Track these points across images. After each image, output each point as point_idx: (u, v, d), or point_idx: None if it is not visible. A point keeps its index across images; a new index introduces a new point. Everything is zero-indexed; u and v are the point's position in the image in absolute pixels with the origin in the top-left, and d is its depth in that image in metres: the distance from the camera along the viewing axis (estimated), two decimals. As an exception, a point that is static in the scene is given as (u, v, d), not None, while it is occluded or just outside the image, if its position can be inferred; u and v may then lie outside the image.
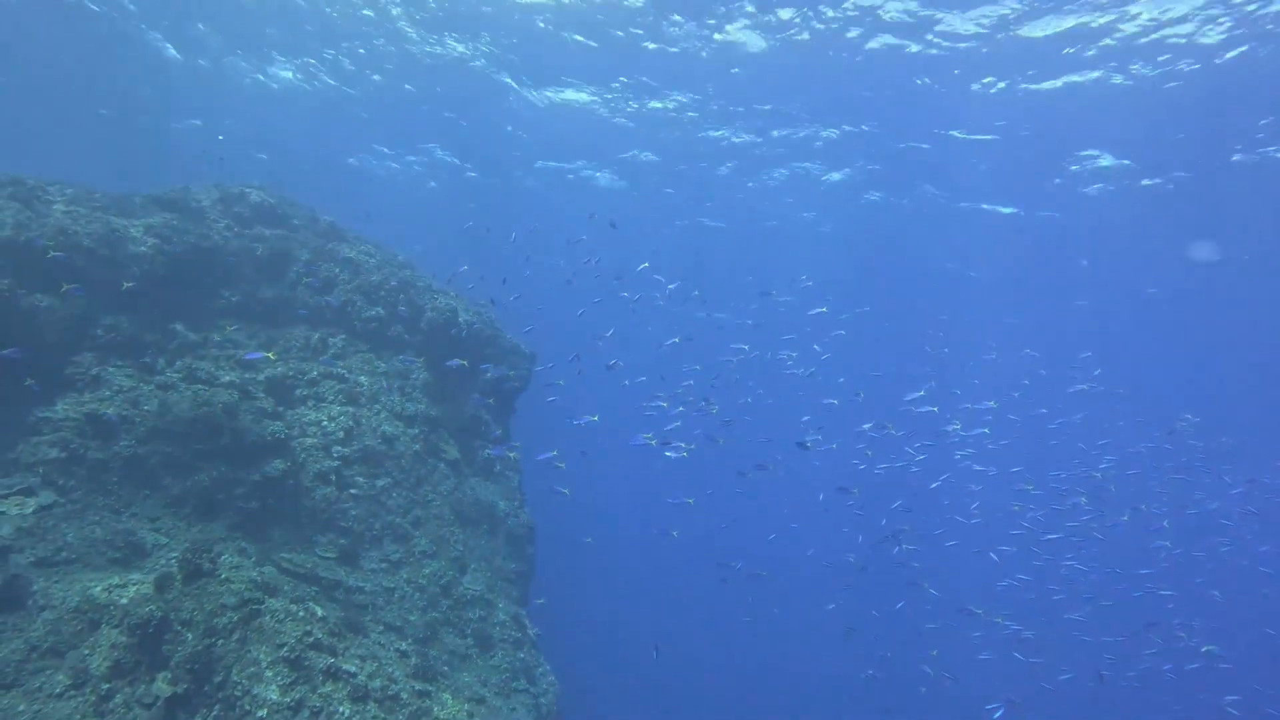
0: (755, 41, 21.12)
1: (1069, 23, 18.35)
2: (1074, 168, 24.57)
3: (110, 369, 10.51)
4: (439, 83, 26.04)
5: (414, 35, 23.70)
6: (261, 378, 11.83)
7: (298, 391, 12.21)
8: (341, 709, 7.67)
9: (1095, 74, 19.97)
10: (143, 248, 11.65)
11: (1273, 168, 21.90)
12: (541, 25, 21.88)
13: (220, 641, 7.56)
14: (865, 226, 31.12)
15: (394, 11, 22.55)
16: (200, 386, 10.99)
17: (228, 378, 11.42)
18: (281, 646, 7.79)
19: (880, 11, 19.07)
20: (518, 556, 14.08)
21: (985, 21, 18.80)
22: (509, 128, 28.40)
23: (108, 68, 27.51)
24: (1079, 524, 21.43)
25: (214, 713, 7.13)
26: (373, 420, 12.53)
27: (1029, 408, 30.94)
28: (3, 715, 6.70)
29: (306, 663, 7.85)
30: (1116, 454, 24.30)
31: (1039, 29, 18.72)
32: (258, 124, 30.70)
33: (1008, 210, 28.28)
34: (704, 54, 22.10)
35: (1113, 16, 17.92)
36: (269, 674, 7.49)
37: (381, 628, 9.96)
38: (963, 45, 19.74)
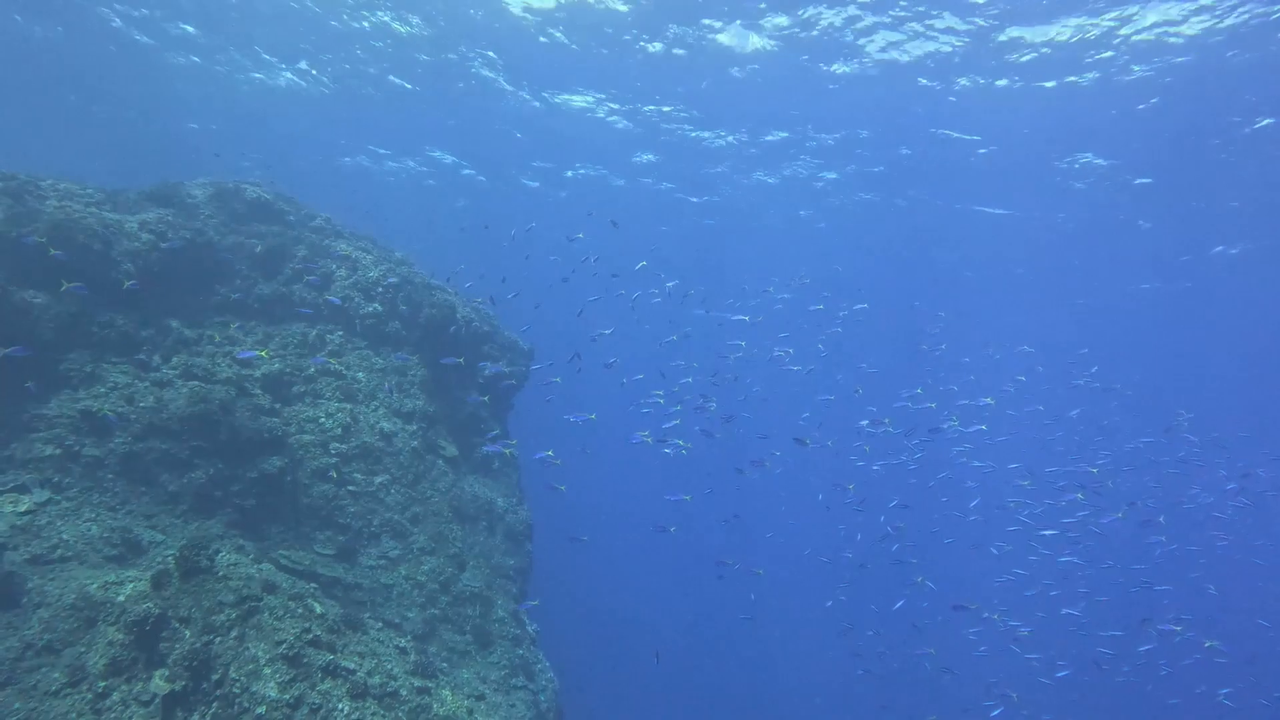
0: (754, 44, 21.11)
1: (1061, 27, 18.43)
2: (1063, 167, 24.67)
3: (105, 365, 10.43)
4: (441, 86, 26.03)
5: (415, 43, 23.73)
6: (258, 374, 11.75)
7: (295, 388, 12.14)
8: (341, 706, 7.61)
9: (1092, 75, 20.02)
10: (137, 243, 11.56)
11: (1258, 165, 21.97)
12: (538, 30, 21.90)
13: (218, 639, 7.50)
14: (861, 225, 31.15)
15: (384, 17, 22.53)
16: (197, 383, 10.91)
17: (225, 374, 11.34)
18: (280, 644, 7.73)
19: (872, 17, 19.10)
20: (516, 553, 14.04)
21: (977, 23, 18.85)
22: (518, 134, 28.37)
23: (104, 67, 27.36)
24: (1075, 520, 21.46)
25: (212, 710, 7.06)
26: (371, 417, 12.47)
27: (1025, 403, 31.03)
28: (-2, 713, 6.64)
29: (305, 660, 7.79)
30: (1112, 449, 24.35)
31: (1033, 33, 18.77)
32: (256, 124, 30.59)
33: (1002, 211, 28.37)
34: (700, 59, 22.12)
35: (1111, 21, 17.97)
36: (268, 671, 7.43)
37: (380, 624, 9.90)
38: (958, 44, 19.77)
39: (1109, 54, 18.97)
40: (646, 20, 20.72)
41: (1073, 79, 20.19)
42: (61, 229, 10.63)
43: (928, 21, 18.89)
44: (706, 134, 26.49)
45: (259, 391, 11.54)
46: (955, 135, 23.68)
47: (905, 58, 20.45)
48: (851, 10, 18.82)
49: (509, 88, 25.54)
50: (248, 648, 7.52)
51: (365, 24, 22.89)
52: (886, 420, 17.29)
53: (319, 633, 8.17)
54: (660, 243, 35.39)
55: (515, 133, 28.44)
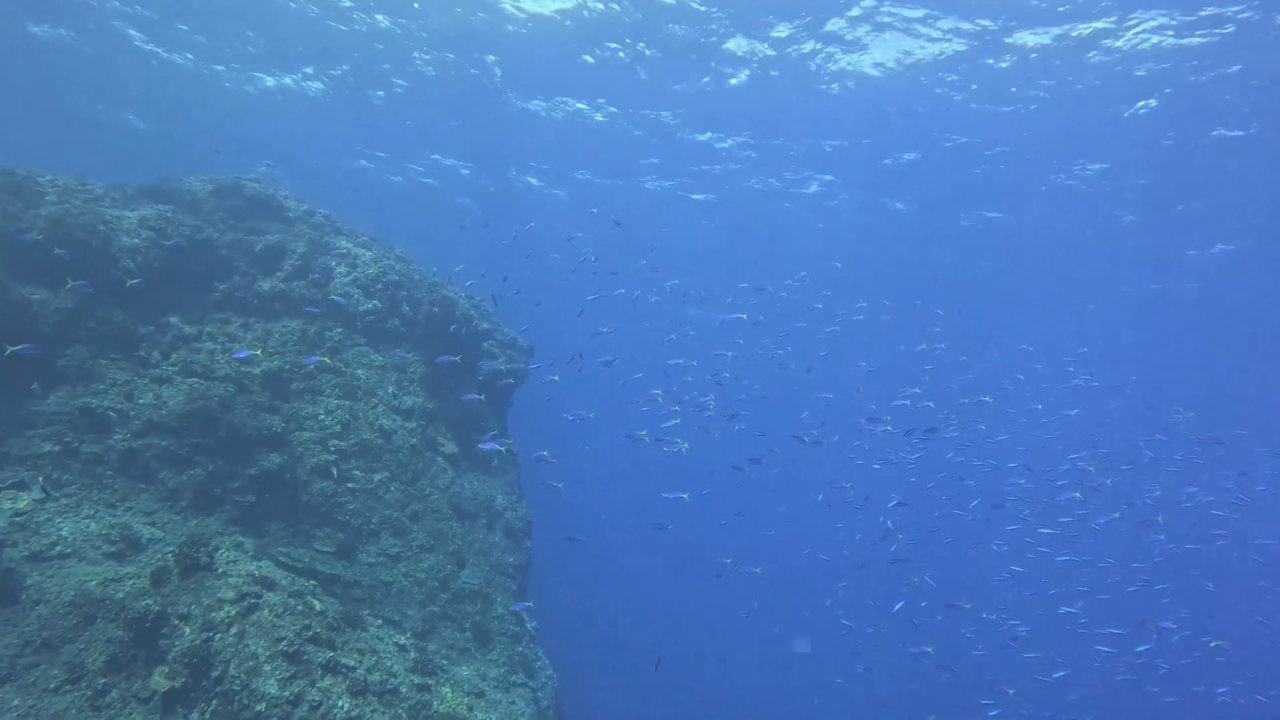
0: (758, 51, 21.19)
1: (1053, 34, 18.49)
2: (1061, 176, 24.76)
3: (104, 362, 10.39)
4: (448, 93, 26.16)
5: (420, 50, 23.84)
6: (258, 371, 11.72)
7: (294, 385, 12.10)
8: (341, 703, 7.59)
9: (1087, 80, 20.07)
10: (137, 240, 11.53)
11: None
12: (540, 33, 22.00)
13: (218, 636, 7.48)
14: (852, 227, 31.36)
15: (382, 24, 22.58)
16: (196, 380, 10.88)
17: (224, 371, 11.31)
18: (280, 641, 7.71)
19: (877, 20, 19.15)
20: (515, 550, 14.02)
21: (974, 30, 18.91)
22: (521, 136, 28.50)
23: (108, 68, 27.32)
24: (1074, 519, 21.49)
25: (212, 707, 7.04)
26: (370, 414, 12.44)
27: (1024, 402, 31.04)
28: (-3, 710, 6.62)
29: (305, 657, 7.77)
30: (1112, 448, 24.38)
31: (1028, 38, 18.82)
32: (261, 129, 30.61)
33: (996, 215, 28.47)
34: (706, 73, 22.18)
35: (1105, 24, 18.04)
36: (267, 668, 7.41)
37: (380, 622, 9.89)
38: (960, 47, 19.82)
39: (1104, 57, 19.01)
40: (645, 28, 20.83)
41: (1068, 83, 20.26)
42: (60, 225, 10.60)
43: (937, 24, 18.96)
44: (706, 136, 26.54)
45: (258, 388, 11.51)
46: (963, 140, 23.79)
47: (909, 59, 20.50)
48: (857, 11, 18.86)
49: (510, 90, 25.57)
50: (247, 644, 7.50)
51: (365, 27, 22.91)
52: (887, 419, 17.27)
53: (319, 630, 8.15)
54: (661, 243, 35.36)
55: (517, 134, 28.46)
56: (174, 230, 12.15)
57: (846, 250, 33.29)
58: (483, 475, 14.54)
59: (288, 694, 7.31)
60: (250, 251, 13.32)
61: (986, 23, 18.56)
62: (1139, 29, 17.87)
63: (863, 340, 39.66)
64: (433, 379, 14.16)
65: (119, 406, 9.95)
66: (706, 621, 46.87)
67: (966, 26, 18.89)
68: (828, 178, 28.11)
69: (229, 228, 13.44)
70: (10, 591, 7.67)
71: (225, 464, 10.32)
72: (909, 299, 33.73)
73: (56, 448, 9.36)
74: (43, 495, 8.86)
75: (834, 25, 19.52)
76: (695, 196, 31.45)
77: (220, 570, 8.18)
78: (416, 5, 21.53)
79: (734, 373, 25.46)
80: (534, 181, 32.65)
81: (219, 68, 26.53)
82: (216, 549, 8.51)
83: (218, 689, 7.16)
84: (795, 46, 20.61)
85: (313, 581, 9.37)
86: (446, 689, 8.99)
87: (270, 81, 27.13)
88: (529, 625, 12.78)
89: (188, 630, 7.46)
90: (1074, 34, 18.34)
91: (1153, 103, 20.29)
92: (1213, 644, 17.20)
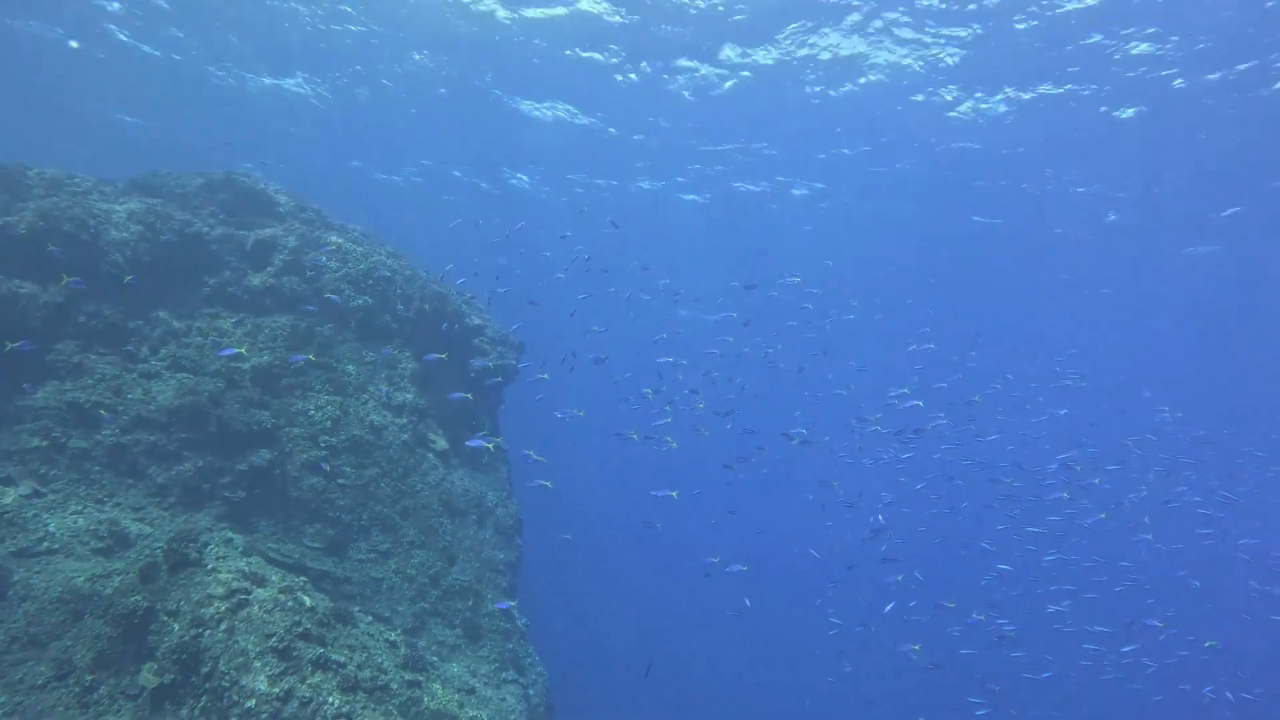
0: (760, 59, 21.34)
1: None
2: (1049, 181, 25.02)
3: (92, 356, 10.31)
4: (440, 94, 26.18)
5: (411, 51, 23.95)
6: (248, 366, 11.65)
7: (284, 381, 12.04)
8: (331, 699, 7.56)
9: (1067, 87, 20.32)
10: (126, 234, 11.44)
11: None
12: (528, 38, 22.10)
13: (207, 632, 7.43)
14: (840, 231, 31.61)
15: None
16: (185, 375, 10.82)
17: (213, 366, 11.24)
18: (270, 637, 7.67)
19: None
20: (506, 547, 14.01)
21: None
22: (516, 139, 28.61)
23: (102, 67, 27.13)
24: (1061, 518, 21.64)
25: (201, 704, 7.01)
26: (361, 410, 12.39)
27: (1013, 402, 31.25)
28: (-17, 706, 6.56)
29: (295, 653, 7.73)
30: (1101, 447, 24.57)
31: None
32: (252, 128, 30.48)
33: (991, 221, 28.70)
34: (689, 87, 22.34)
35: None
36: (257, 664, 7.37)
37: (370, 618, 9.85)
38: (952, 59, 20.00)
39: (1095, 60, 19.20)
40: (635, 42, 21.11)
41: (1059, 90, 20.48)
42: (48, 218, 10.51)
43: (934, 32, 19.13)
44: (697, 143, 26.73)
45: (248, 384, 11.44)
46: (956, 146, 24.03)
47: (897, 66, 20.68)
48: (854, 17, 19.00)
49: (503, 91, 25.59)
50: (237, 641, 7.46)
51: (356, 31, 22.95)
52: (877, 417, 17.36)
53: (309, 626, 8.11)
54: (654, 243, 35.40)
55: (509, 135, 28.48)
56: (164, 224, 12.07)
57: (837, 251, 33.41)
58: (473, 472, 14.52)
59: (278, 690, 7.27)
60: (240, 246, 13.23)
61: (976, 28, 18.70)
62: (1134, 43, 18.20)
63: (856, 340, 39.85)
64: (424, 375, 14.12)
65: (107, 401, 9.88)
66: (698, 620, 46.95)
67: (962, 34, 19.05)
68: (819, 185, 28.30)
69: (219, 222, 13.35)
70: (-4, 587, 7.62)
71: (214, 459, 10.27)
72: (902, 299, 33.91)
73: (44, 443, 9.29)
74: (29, 491, 8.79)
75: (828, 32, 19.68)
76: (688, 197, 31.52)
77: (210, 566, 8.13)
78: (405, 11, 21.62)
79: (724, 372, 25.50)
80: (524, 179, 32.66)
81: (210, 68, 26.42)
82: (206, 545, 8.46)
83: (207, 685, 7.12)
84: (789, 52, 20.77)
85: (303, 578, 9.33)
86: (437, 685, 8.98)
87: (266, 82, 27.04)
88: (519, 622, 12.77)
89: (177, 626, 7.42)
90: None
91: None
92: (1207, 644, 17.35)
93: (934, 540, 24.34)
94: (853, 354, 37.05)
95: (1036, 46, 18.84)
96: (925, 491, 24.88)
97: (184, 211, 12.87)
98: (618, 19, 20.40)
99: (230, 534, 9.47)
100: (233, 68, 26.30)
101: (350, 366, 12.88)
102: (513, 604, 12.67)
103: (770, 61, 21.33)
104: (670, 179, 30.19)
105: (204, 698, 7.05)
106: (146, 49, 25.32)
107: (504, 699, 10.67)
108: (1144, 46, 18.27)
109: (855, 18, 18.91)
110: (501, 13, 21.02)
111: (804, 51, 20.63)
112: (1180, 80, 19.13)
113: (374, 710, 7.78)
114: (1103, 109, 20.79)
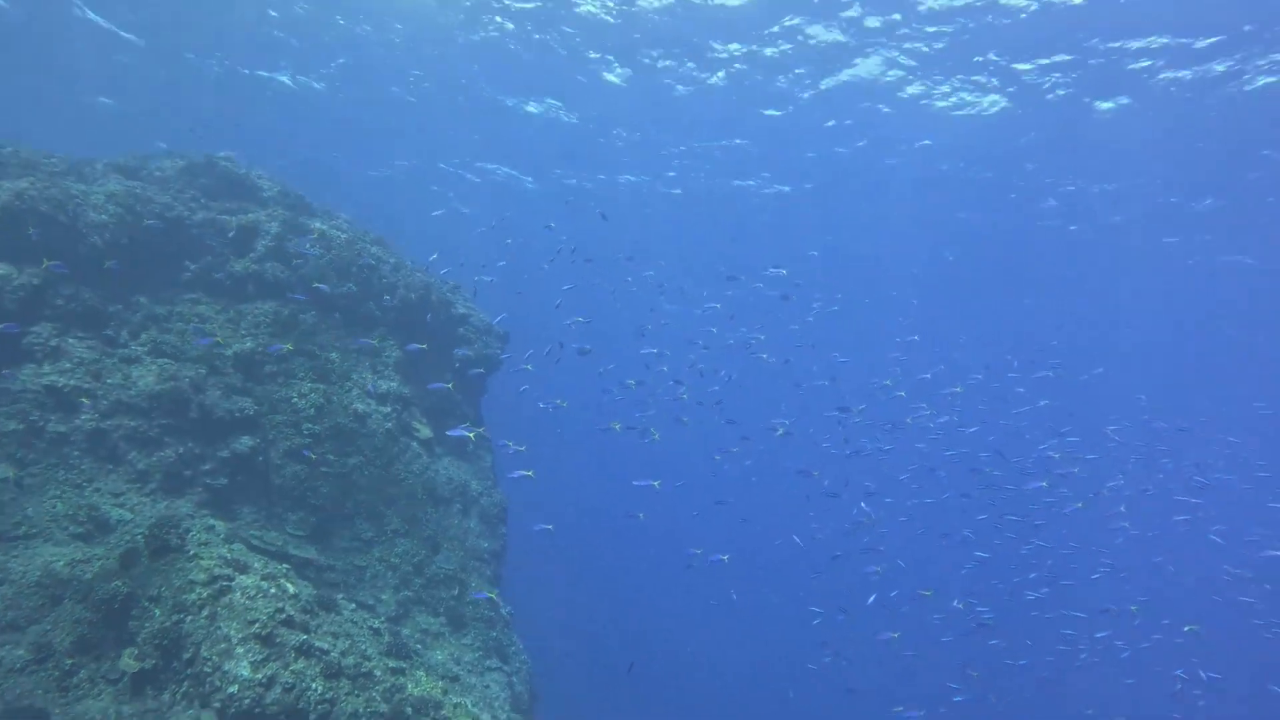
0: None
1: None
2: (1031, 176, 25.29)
3: (70, 340, 10.16)
4: (430, 89, 26.10)
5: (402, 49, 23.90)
6: (230, 353, 11.52)
7: (267, 367, 11.93)
8: (314, 686, 7.54)
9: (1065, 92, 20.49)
10: (104, 216, 11.26)
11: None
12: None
13: (189, 618, 7.39)
14: (826, 230, 31.81)
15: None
16: (166, 360, 10.69)
17: (195, 352, 11.11)
18: (253, 623, 7.63)
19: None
20: (490, 536, 14.00)
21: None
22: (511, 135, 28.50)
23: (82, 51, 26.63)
24: (1039, 507, 21.94)
25: (183, 689, 6.97)
26: (344, 398, 12.31)
27: (992, 393, 31.58)
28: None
29: (278, 639, 7.69)
30: (1081, 437, 24.89)
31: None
32: (235, 119, 30.09)
33: (975, 217, 28.96)
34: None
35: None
36: (240, 650, 7.33)
37: (354, 606, 9.82)
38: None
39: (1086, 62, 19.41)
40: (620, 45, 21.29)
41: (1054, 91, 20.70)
42: (23, 197, 10.32)
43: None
44: (682, 138, 26.85)
45: (231, 370, 11.33)
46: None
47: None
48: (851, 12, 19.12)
49: (491, 87, 25.51)
50: (219, 627, 7.42)
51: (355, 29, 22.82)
52: (861, 408, 17.48)
53: (292, 613, 8.08)
54: (639, 236, 35.37)
55: (500, 130, 28.38)
56: (144, 207, 11.89)
57: (822, 245, 33.56)
58: (458, 460, 14.48)
59: (260, 676, 7.24)
60: (223, 231, 13.07)
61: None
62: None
63: (843, 332, 40.06)
64: (408, 363, 14.04)
65: (86, 385, 9.75)
66: (682, 610, 47.16)
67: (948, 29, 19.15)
68: (807, 186, 28.43)
69: (200, 206, 13.18)
70: (-27, 572, 7.52)
71: (196, 446, 10.17)
72: (888, 293, 34.12)
73: (21, 426, 9.15)
74: (6, 475, 8.67)
75: (817, 32, 19.80)
76: (674, 191, 31.51)
77: (191, 553, 8.07)
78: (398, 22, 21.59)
79: (708, 363, 25.56)
80: (511, 171, 32.51)
81: (190, 55, 26.05)
82: (188, 531, 8.39)
83: (189, 671, 7.08)
84: (776, 47, 20.84)
85: (286, 565, 9.29)
86: (421, 672, 8.97)
87: (245, 72, 26.73)
88: (503, 610, 12.78)
89: (158, 612, 7.36)
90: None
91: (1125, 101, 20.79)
92: (1187, 628, 17.70)
93: (916, 530, 24.58)
94: (836, 346, 37.29)
95: (1025, 40, 19.02)
96: (908, 482, 25.13)
97: (164, 195, 12.68)
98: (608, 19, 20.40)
99: (212, 521, 9.41)
100: (222, 58, 25.97)
101: (334, 354, 12.79)
102: (494, 593, 12.67)
103: (753, 56, 21.35)
104: (658, 174, 30.18)
105: (185, 683, 7.01)
106: (129, 36, 24.89)
107: (488, 686, 10.70)
108: (1136, 44, 18.50)
109: (852, 13, 19.01)
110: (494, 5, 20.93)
111: (788, 46, 20.70)
112: (1167, 73, 19.35)
113: (357, 697, 7.77)
114: (1086, 99, 21.00)
